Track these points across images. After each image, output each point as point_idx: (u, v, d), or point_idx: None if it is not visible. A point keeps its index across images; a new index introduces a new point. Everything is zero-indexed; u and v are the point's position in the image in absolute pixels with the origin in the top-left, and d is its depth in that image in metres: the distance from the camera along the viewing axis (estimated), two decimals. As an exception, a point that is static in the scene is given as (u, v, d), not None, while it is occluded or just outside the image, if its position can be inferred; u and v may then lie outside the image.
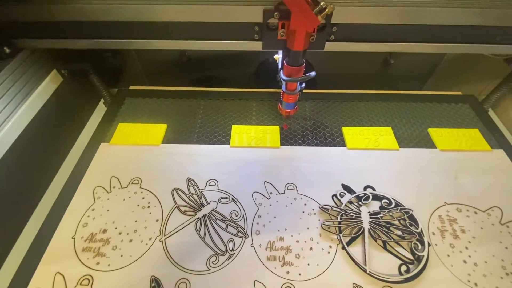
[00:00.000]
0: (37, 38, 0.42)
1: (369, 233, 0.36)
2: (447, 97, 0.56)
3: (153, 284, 0.32)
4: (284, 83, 0.39)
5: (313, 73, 0.37)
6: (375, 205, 0.39)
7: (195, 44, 0.40)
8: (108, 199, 0.40)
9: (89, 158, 0.45)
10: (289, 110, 0.44)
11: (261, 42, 0.38)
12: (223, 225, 0.37)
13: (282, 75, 0.38)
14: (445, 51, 0.42)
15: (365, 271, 0.33)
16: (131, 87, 0.59)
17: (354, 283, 0.32)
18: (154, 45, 0.41)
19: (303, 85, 0.41)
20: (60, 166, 0.49)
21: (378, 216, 0.38)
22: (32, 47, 0.44)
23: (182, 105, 0.55)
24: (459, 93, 0.57)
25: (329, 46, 0.38)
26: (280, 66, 0.39)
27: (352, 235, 0.36)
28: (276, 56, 0.43)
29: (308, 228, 0.37)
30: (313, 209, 0.39)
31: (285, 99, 0.42)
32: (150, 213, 0.38)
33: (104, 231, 0.37)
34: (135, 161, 0.45)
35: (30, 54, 0.45)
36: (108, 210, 0.39)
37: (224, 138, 0.48)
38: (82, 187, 0.41)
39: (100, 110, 0.59)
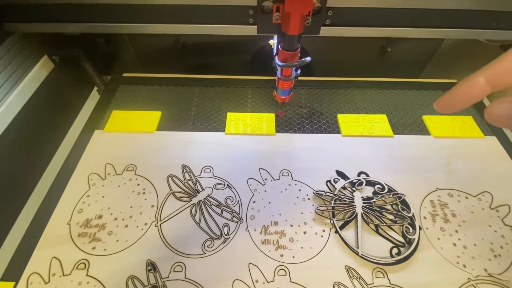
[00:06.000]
0: (27, 21, 0.41)
1: (362, 217, 0.37)
2: (442, 84, 0.56)
3: (149, 268, 0.33)
4: (279, 69, 0.39)
5: (308, 58, 0.36)
6: (368, 191, 0.39)
7: (188, 28, 0.39)
8: (103, 185, 0.40)
9: (83, 145, 0.45)
10: (284, 97, 0.44)
11: (256, 26, 0.38)
12: (218, 211, 0.38)
13: (277, 60, 0.37)
14: (442, 37, 0.41)
15: (357, 253, 0.34)
16: (125, 74, 0.58)
17: (346, 265, 0.33)
18: (147, 30, 0.40)
19: (299, 71, 0.40)
20: (54, 154, 0.49)
21: (371, 201, 0.38)
22: (22, 31, 0.43)
23: (177, 92, 0.54)
24: (455, 80, 0.57)
25: (325, 31, 0.38)
26: (275, 52, 0.39)
27: (345, 220, 0.36)
28: (271, 41, 0.42)
29: (302, 213, 0.37)
30: (307, 195, 0.39)
31: (281, 85, 0.42)
32: (145, 199, 0.39)
33: (100, 216, 0.37)
34: (129, 148, 0.44)
35: (19, 39, 0.44)
36: (103, 197, 0.39)
37: (219, 126, 0.48)
38: (76, 174, 0.41)
39: (94, 97, 0.58)
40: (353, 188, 0.39)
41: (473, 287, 0.32)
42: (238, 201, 0.39)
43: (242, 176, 0.41)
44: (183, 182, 0.40)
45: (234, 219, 0.37)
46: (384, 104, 0.52)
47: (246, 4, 0.36)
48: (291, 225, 0.36)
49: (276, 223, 0.36)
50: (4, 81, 0.42)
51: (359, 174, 0.41)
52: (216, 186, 0.40)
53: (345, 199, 0.38)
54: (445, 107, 0.17)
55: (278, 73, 0.40)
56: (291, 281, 0.32)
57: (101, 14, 0.39)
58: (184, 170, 0.42)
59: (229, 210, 0.38)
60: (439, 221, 0.37)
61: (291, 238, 0.35)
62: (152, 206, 0.38)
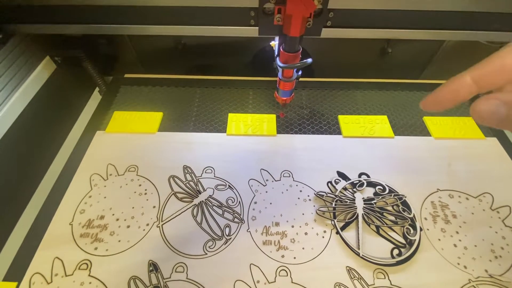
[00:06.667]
0: (29, 23, 0.41)
1: (363, 218, 0.37)
2: (443, 86, 0.56)
3: (150, 268, 0.33)
4: (280, 70, 0.39)
5: (309, 60, 0.37)
6: (369, 192, 0.40)
7: (190, 30, 0.40)
8: (105, 186, 0.40)
9: (85, 146, 0.45)
10: (285, 98, 0.44)
11: (257, 28, 0.38)
12: (220, 211, 0.38)
13: (278, 62, 0.37)
14: (442, 38, 0.42)
15: (358, 254, 0.34)
16: (126, 75, 0.58)
17: (347, 266, 0.33)
18: (148, 31, 0.40)
19: (300, 72, 0.40)
20: (56, 154, 0.49)
21: (372, 202, 0.38)
22: (24, 32, 0.43)
23: (178, 93, 0.54)
24: (455, 82, 0.57)
25: (326, 32, 0.38)
26: (276, 53, 0.39)
27: (346, 220, 0.37)
28: (272, 43, 0.42)
29: (303, 214, 0.37)
30: (308, 196, 0.39)
31: (282, 86, 0.42)
32: (147, 199, 0.39)
33: (102, 217, 0.37)
34: (131, 149, 0.45)
35: (21, 40, 0.44)
36: (105, 197, 0.39)
37: (220, 126, 0.48)
38: (78, 175, 0.41)
39: (95, 98, 0.58)
40: (354, 189, 0.40)
41: (473, 288, 0.32)
42: (239, 201, 0.39)
43: (243, 177, 0.41)
44: (184, 182, 0.41)
45: (236, 219, 0.37)
46: (384, 105, 0.52)
47: (247, 6, 0.36)
48: (292, 226, 0.36)
49: (277, 224, 0.37)
50: (7, 82, 0.42)
51: (360, 175, 0.41)
52: (218, 187, 0.40)
53: (346, 200, 0.38)
54: (431, 106, 0.17)
55: (279, 74, 0.40)
56: (292, 282, 0.32)
57: (102, 15, 0.40)
58: (186, 171, 0.42)
59: (231, 211, 0.38)
60: (439, 222, 0.37)
61: (292, 239, 0.35)
62: (154, 206, 0.38)
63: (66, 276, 0.32)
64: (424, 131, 0.48)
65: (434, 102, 0.17)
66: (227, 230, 0.36)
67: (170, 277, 0.32)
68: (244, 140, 0.46)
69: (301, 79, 0.41)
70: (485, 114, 0.14)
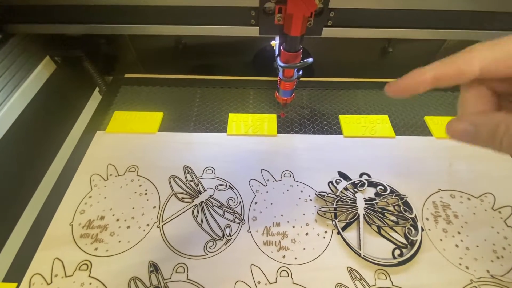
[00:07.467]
0: (29, 23, 0.41)
1: (364, 218, 0.36)
2: (444, 85, 0.56)
3: (151, 269, 0.33)
4: (281, 70, 0.39)
5: (310, 59, 0.37)
6: (370, 192, 0.39)
7: (190, 30, 0.40)
8: (105, 186, 0.40)
9: (85, 146, 0.45)
10: (286, 98, 0.44)
11: (258, 27, 0.38)
12: (220, 212, 0.38)
13: (279, 61, 0.37)
14: (443, 38, 0.41)
15: (359, 255, 0.34)
16: (126, 75, 0.58)
17: (348, 267, 0.33)
18: (148, 31, 0.40)
19: (300, 72, 0.40)
20: (56, 155, 0.49)
21: (373, 202, 0.38)
22: (24, 32, 0.43)
23: (178, 93, 0.54)
24: (456, 81, 0.56)
25: (327, 32, 0.38)
26: (277, 53, 0.39)
27: (348, 221, 0.36)
28: (273, 43, 0.42)
29: (304, 214, 0.37)
30: (309, 196, 0.39)
31: (282, 86, 0.42)
32: (147, 200, 0.39)
33: (102, 217, 0.37)
34: (131, 149, 0.44)
35: (21, 40, 0.44)
36: (105, 198, 0.39)
37: (221, 126, 0.48)
38: (78, 175, 0.41)
39: (95, 98, 0.58)
40: (355, 189, 0.39)
41: (475, 289, 0.32)
42: (240, 202, 0.39)
43: (244, 177, 0.41)
44: (185, 183, 0.40)
45: (236, 220, 0.37)
46: (385, 105, 0.52)
47: (248, 5, 0.36)
48: (293, 226, 0.36)
49: (278, 224, 0.36)
50: (7, 82, 0.42)
51: (361, 175, 0.41)
52: (218, 187, 0.40)
53: (347, 200, 0.38)
54: (393, 92, 0.18)
55: (280, 74, 0.40)
56: (293, 283, 0.32)
57: (103, 15, 0.39)
58: (186, 171, 0.42)
59: (231, 211, 0.38)
60: (441, 222, 0.37)
61: (293, 239, 0.35)
62: (154, 207, 0.38)
63: (66, 276, 0.32)
64: (425, 131, 0.48)
65: (395, 90, 0.18)
66: (227, 230, 0.36)
67: (170, 278, 0.32)
68: (245, 140, 0.46)
69: (301, 78, 0.41)
70: (457, 133, 0.17)
